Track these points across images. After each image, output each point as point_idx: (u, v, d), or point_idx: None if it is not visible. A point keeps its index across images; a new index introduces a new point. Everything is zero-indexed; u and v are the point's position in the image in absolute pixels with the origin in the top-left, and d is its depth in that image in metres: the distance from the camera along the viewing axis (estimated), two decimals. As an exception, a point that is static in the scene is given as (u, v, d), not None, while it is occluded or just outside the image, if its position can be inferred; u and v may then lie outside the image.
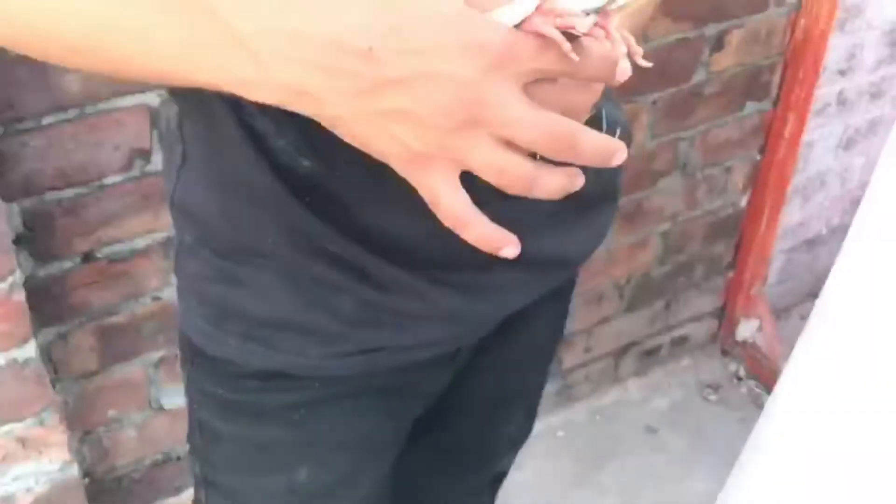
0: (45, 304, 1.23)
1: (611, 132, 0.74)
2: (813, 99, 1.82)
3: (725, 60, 1.66)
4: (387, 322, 0.74)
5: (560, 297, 0.96)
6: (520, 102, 0.48)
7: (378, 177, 0.59)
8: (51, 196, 1.18)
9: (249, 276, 0.72)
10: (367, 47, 0.46)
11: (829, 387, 0.85)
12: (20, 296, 1.09)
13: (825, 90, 1.85)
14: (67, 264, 1.24)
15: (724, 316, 2.12)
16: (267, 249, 0.71)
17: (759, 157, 1.87)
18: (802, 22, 1.70)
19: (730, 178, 1.87)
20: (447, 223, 0.52)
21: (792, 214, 2.02)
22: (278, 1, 0.47)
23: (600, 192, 0.83)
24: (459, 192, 0.51)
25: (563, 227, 0.79)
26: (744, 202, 1.93)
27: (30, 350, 1.13)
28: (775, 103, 1.80)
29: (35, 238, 1.19)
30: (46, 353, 1.26)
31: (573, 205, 0.77)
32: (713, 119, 1.74)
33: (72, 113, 1.14)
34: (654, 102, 1.62)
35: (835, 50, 1.79)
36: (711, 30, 1.61)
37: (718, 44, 1.63)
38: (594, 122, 0.60)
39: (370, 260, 0.70)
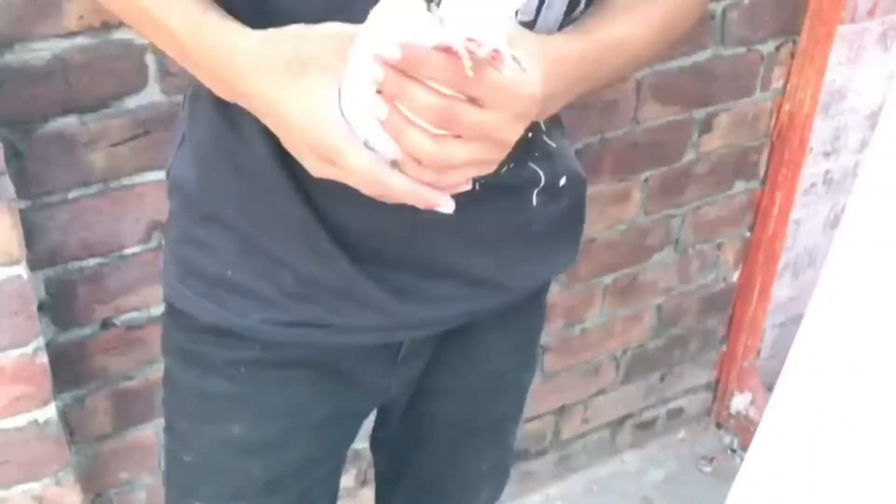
0: (64, 369, 1.29)
1: (550, 184, 0.86)
2: (800, 179, 1.90)
3: (714, 142, 1.75)
4: (320, 301, 0.84)
5: (518, 332, 1.02)
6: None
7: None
8: (73, 265, 1.25)
9: (212, 241, 0.85)
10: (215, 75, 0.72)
11: (802, 441, 0.90)
12: (43, 359, 1.15)
13: (812, 170, 1.93)
14: (87, 331, 1.30)
15: (718, 389, 2.17)
16: (229, 219, 0.84)
17: (748, 235, 1.95)
18: (787, 107, 1.79)
19: (721, 255, 1.94)
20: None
21: (782, 290, 2.08)
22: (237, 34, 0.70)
23: (553, 233, 0.92)
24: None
25: (501, 254, 0.88)
26: (735, 277, 2.00)
27: (50, 411, 1.19)
28: (763, 183, 1.88)
29: (57, 305, 1.26)
30: (63, 416, 1.32)
31: (516, 237, 0.88)
32: (704, 197, 1.81)
33: (95, 188, 1.22)
34: (646, 180, 1.70)
35: (819, 132, 1.87)
36: (699, 113, 1.69)
37: (706, 126, 1.72)
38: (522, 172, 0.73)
39: (325, 245, 0.81)
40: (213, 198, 0.85)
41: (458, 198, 0.69)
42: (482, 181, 0.73)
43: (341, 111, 0.66)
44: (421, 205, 0.68)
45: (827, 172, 1.98)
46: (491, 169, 0.69)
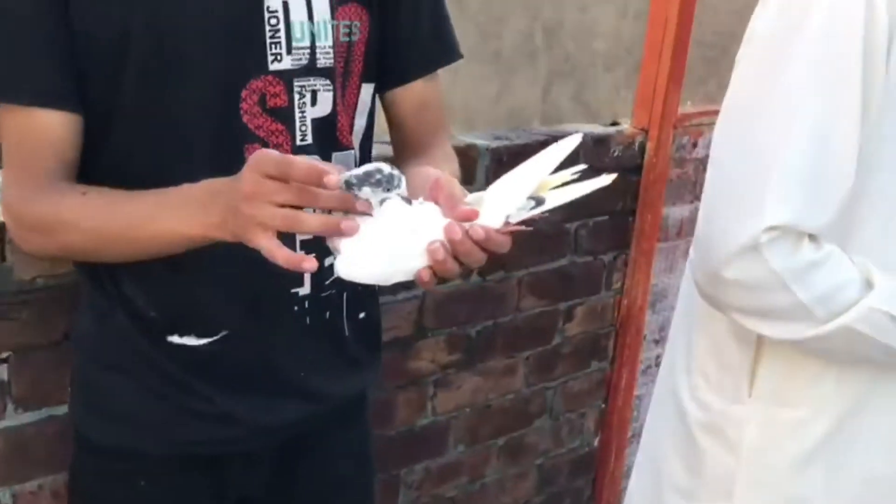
0: None
1: (355, 317, 1.27)
2: (639, 361, 2.45)
3: (574, 328, 2.28)
4: (197, 424, 1.18)
5: (347, 438, 1.35)
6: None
7: (205, 328, 1.13)
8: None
9: (112, 385, 1.18)
10: (201, 201, 0.99)
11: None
12: None
13: (647, 354, 2.48)
14: None
15: (590, 544, 2.58)
16: (122, 367, 1.17)
17: (604, 406, 2.45)
18: (625, 302, 2.36)
19: (584, 423, 2.42)
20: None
21: (634, 455, 2.56)
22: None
23: (361, 356, 1.30)
24: (273, 241, 0.93)
25: (327, 373, 1.25)
26: (596, 443, 2.47)
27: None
28: (612, 363, 2.41)
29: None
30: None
31: (336, 360, 1.26)
32: (570, 373, 2.32)
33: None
34: (527, 358, 2.20)
35: (651, 324, 2.44)
36: (563, 305, 2.23)
37: (569, 316, 2.25)
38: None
39: (193, 380, 1.16)
40: (109, 352, 1.17)
41: (294, 337, 1.16)
42: (310, 320, 1.18)
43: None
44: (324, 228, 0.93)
45: (657, 357, 2.54)
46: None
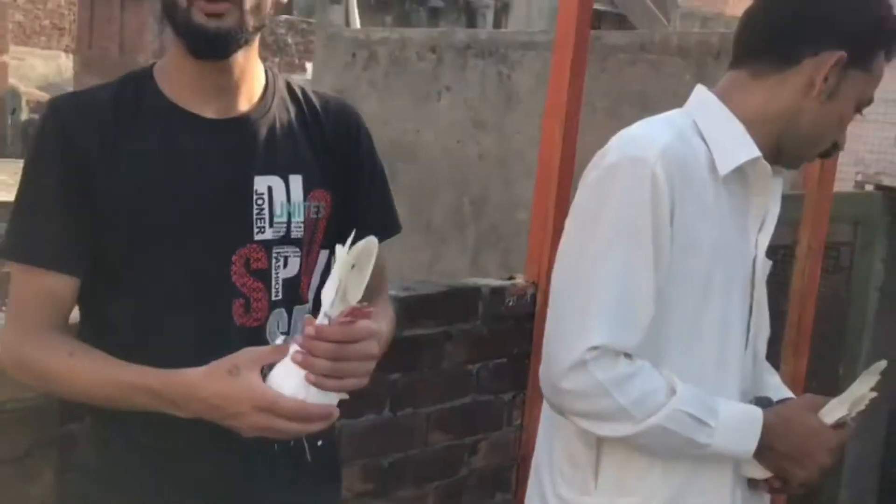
0: None
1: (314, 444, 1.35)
2: (540, 493, 2.70)
3: (480, 461, 2.54)
4: None
5: None
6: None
7: (192, 454, 1.33)
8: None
9: (106, 501, 1.37)
10: (172, 400, 1.25)
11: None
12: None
13: (547, 487, 2.74)
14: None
15: None
16: (120, 486, 1.36)
17: (509, 537, 2.68)
18: (525, 437, 2.64)
19: (492, 553, 2.65)
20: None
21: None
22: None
23: (324, 476, 1.49)
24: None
25: (295, 495, 1.42)
26: (504, 572, 2.69)
27: None
28: (515, 495, 2.66)
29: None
30: None
31: (300, 482, 1.42)
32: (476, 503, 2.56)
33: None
34: (436, 488, 2.44)
35: (549, 459, 2.71)
36: (469, 440, 2.50)
37: (474, 449, 2.52)
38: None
39: (182, 497, 1.36)
40: (107, 473, 1.36)
41: (265, 462, 1.35)
42: (278, 447, 1.31)
43: (270, 385, 1.22)
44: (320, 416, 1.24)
45: (559, 490, 2.79)
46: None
